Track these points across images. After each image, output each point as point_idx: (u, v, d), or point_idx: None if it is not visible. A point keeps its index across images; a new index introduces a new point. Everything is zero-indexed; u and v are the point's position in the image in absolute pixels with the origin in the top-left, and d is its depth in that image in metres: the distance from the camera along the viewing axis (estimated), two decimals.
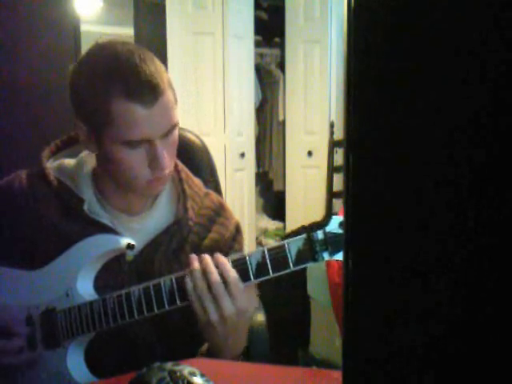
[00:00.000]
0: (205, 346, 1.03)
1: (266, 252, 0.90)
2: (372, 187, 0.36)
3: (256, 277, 0.91)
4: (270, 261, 0.90)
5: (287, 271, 0.90)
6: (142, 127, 0.93)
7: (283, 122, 4.15)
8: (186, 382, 0.70)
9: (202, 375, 0.73)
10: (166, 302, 0.93)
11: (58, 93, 1.07)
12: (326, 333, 2.22)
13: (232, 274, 0.91)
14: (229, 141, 3.49)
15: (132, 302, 0.93)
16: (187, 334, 1.05)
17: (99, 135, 0.97)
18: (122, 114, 0.93)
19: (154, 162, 0.97)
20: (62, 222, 1.03)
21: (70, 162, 1.10)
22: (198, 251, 1.07)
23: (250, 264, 0.91)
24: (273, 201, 4.54)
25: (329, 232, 0.87)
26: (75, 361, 0.98)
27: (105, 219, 1.04)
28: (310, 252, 0.88)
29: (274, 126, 4.26)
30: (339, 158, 3.75)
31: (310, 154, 3.94)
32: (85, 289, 0.99)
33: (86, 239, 1.00)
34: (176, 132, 1.00)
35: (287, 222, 4.10)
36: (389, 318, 0.37)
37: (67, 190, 1.05)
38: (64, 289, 0.99)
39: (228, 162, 3.49)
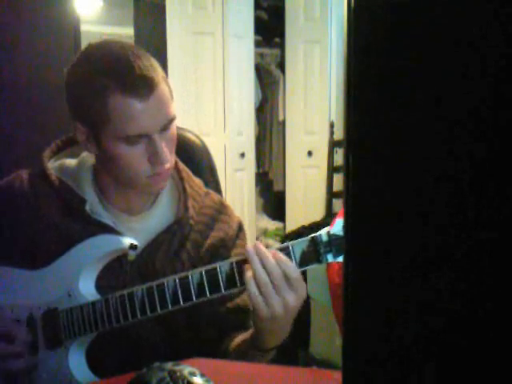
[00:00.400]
0: (237, 340, 1.02)
1: None
2: (372, 187, 0.36)
3: None
4: None
5: None
6: (139, 121, 0.94)
7: (283, 122, 4.14)
8: (186, 381, 0.70)
9: (202, 375, 0.73)
10: (169, 303, 0.92)
11: (58, 93, 1.06)
12: (325, 333, 2.22)
13: (289, 263, 0.88)
14: (229, 141, 3.49)
15: (135, 303, 0.93)
16: (191, 333, 1.05)
17: (98, 134, 0.97)
18: (118, 109, 0.93)
19: (153, 156, 0.97)
20: (63, 222, 1.03)
21: (71, 161, 1.11)
22: (201, 250, 1.07)
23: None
24: (273, 201, 4.53)
25: (333, 234, 0.88)
26: (77, 361, 0.98)
27: (106, 219, 1.04)
28: (314, 254, 0.88)
29: (274, 125, 4.26)
30: (339, 158, 3.75)
31: (309, 153, 3.93)
32: (87, 289, 0.99)
33: (88, 239, 1.00)
34: (174, 126, 1.01)
35: (287, 222, 4.09)
36: (389, 318, 0.37)
37: (69, 190, 1.05)
38: (66, 289, 0.99)
39: (228, 162, 3.49)
